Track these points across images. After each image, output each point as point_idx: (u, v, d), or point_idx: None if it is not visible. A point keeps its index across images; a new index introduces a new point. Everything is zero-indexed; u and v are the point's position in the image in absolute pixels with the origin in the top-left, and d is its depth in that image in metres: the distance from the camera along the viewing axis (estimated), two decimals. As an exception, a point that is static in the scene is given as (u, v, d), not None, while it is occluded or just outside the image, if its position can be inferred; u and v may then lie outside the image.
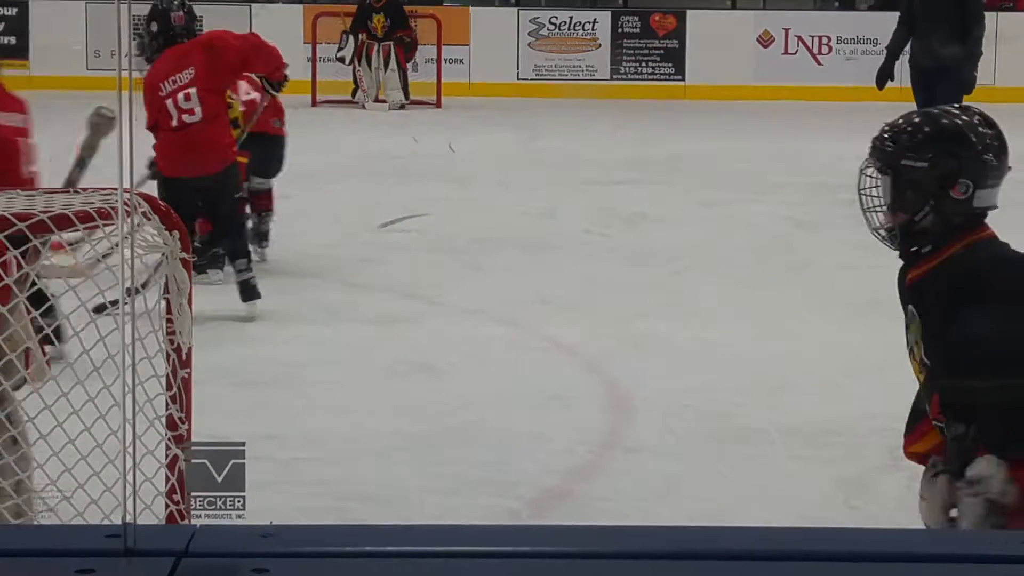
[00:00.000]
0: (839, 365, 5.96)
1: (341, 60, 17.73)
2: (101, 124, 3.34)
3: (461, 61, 19.04)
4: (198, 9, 17.81)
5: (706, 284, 7.81)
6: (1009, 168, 3.19)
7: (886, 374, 5.96)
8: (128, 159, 3.01)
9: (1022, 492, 2.93)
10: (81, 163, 4.55)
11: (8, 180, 3.74)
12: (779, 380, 5.92)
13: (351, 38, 17.76)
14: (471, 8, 20.39)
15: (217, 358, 5.71)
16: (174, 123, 7.02)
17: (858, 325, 6.80)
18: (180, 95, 7.06)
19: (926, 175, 3.11)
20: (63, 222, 2.96)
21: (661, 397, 5.73)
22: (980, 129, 3.17)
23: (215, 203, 7.14)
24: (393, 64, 17.43)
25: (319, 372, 6.06)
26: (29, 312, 3.29)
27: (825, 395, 5.75)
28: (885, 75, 10.49)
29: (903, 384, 5.46)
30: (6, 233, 2.91)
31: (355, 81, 17.62)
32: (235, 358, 6.01)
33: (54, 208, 2.98)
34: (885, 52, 10.86)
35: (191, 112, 7.04)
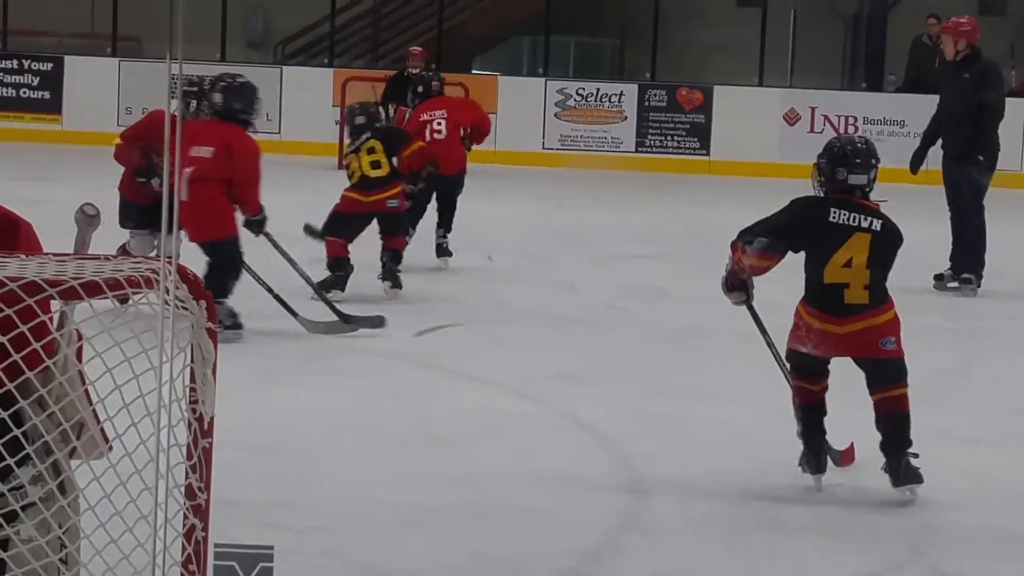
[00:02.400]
0: (861, 452, 5.93)
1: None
2: (83, 221, 3.36)
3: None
4: (230, 71, 18.00)
5: (726, 363, 7.79)
6: (874, 164, 5.87)
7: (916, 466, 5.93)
8: (168, 226, 3.01)
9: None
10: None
11: None
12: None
13: (382, 109, 17.78)
14: (499, 76, 20.50)
15: (231, 423, 5.68)
16: None
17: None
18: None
19: (825, 165, 5.85)
20: (93, 289, 2.96)
21: (679, 479, 5.69)
22: (853, 147, 5.91)
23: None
24: None
25: (334, 440, 6.04)
26: (84, 382, 3.26)
27: (846, 484, 5.70)
28: (917, 160, 10.48)
29: (927, 478, 5.45)
30: (37, 298, 2.91)
31: None
32: (249, 423, 6.00)
33: (84, 275, 2.98)
34: (920, 137, 10.85)
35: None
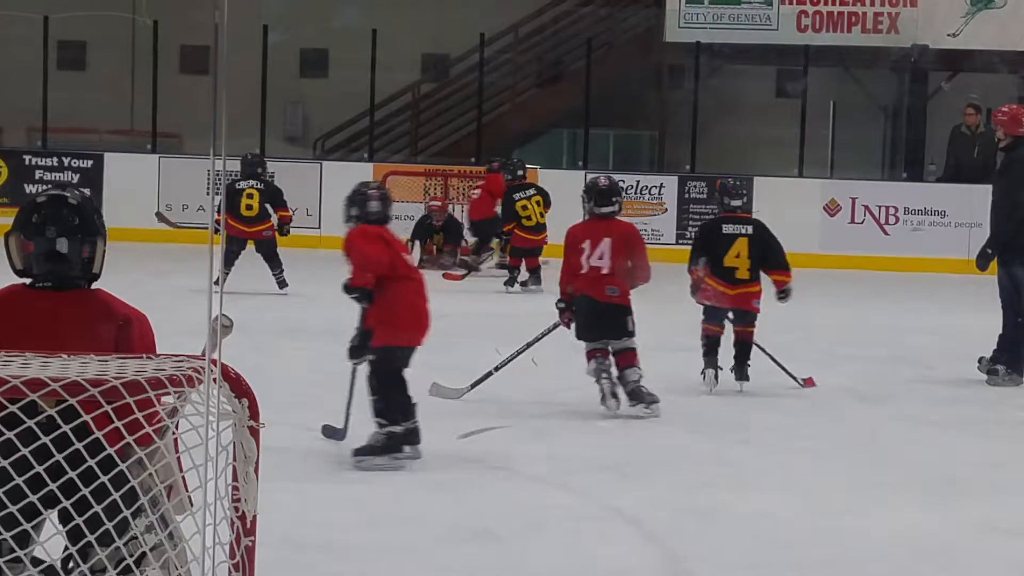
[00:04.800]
0: (908, 546, 5.87)
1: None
2: (219, 330, 3.53)
3: (528, 221, 19.15)
4: (272, 166, 18.05)
5: (769, 455, 7.75)
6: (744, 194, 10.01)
7: (959, 557, 5.88)
8: (213, 326, 3.02)
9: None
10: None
11: None
12: (845, 560, 5.82)
13: (416, 243, 18.00)
14: (539, 169, 20.59)
15: (273, 519, 5.67)
16: None
17: (927, 504, 6.72)
18: None
19: (717, 197, 9.85)
20: (135, 388, 2.98)
21: (723, 572, 5.64)
22: (727, 184, 10.13)
23: None
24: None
25: (378, 535, 6.01)
26: (177, 449, 3.40)
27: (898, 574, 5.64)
28: (983, 257, 10.29)
29: (972, 571, 5.39)
30: (79, 398, 2.94)
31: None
32: (291, 520, 5.98)
33: (127, 374, 3.00)
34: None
35: None
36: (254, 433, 3.26)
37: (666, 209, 19.74)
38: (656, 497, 6.75)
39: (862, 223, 19.32)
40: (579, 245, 8.94)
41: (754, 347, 9.74)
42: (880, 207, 19.64)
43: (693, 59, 20.43)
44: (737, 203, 9.89)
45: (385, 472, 7.10)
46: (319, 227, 19.67)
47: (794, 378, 9.86)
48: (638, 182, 19.85)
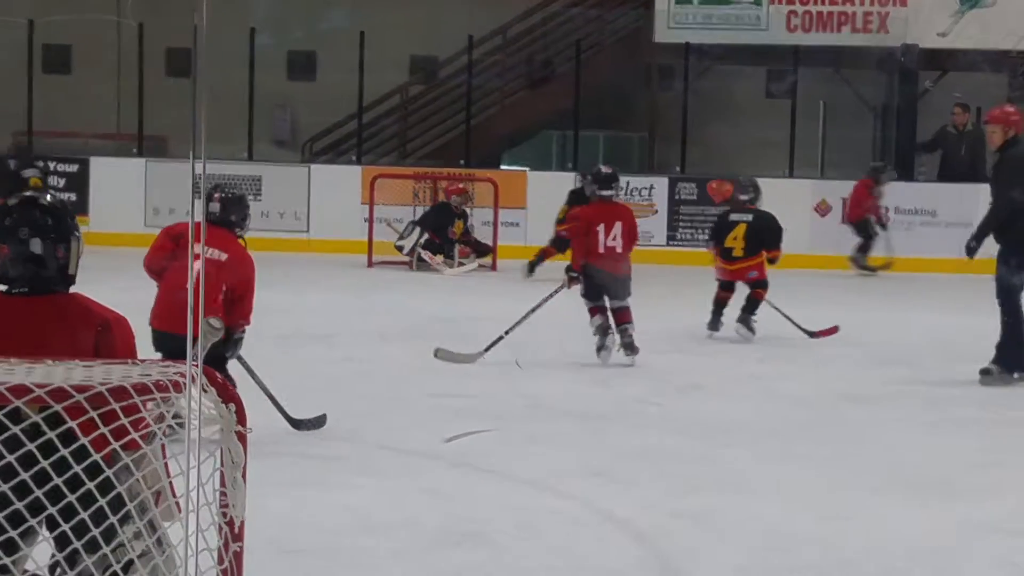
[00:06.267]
0: (901, 547, 5.84)
1: (400, 249, 17.76)
2: (208, 332, 3.55)
3: (517, 224, 19.16)
4: (258, 169, 18.08)
5: (760, 457, 7.73)
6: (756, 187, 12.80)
7: (948, 558, 5.85)
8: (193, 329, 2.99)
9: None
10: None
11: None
12: (838, 561, 5.79)
13: (417, 229, 17.81)
14: (528, 171, 20.56)
15: (262, 523, 5.64)
16: None
17: (919, 504, 6.69)
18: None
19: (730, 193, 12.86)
20: (121, 394, 2.96)
21: (713, 575, 5.62)
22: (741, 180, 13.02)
23: None
24: (459, 261, 17.60)
25: (368, 540, 5.98)
26: (165, 455, 3.39)
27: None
28: (969, 248, 10.24)
29: (962, 567, 5.37)
30: (64, 404, 2.92)
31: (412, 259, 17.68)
32: (283, 525, 5.94)
33: (112, 380, 2.97)
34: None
35: None
36: (241, 438, 3.24)
37: (656, 210, 19.72)
38: (647, 500, 6.72)
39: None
40: (594, 228, 10.81)
41: (766, 305, 12.15)
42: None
43: (682, 60, 20.41)
44: (744, 197, 12.63)
45: (374, 477, 7.07)
46: (307, 230, 19.64)
47: (803, 330, 12.10)
48: (628, 183, 19.80)
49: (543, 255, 16.78)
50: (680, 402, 9.33)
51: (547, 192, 19.51)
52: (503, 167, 21.32)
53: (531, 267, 16.68)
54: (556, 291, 11.04)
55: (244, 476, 3.24)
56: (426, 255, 17.19)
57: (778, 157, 20.08)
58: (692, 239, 19.54)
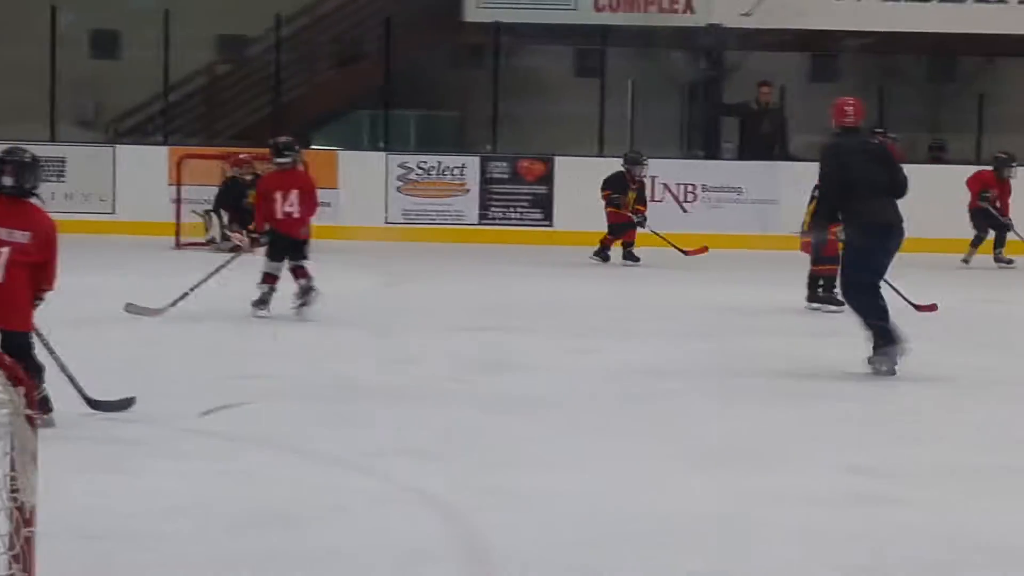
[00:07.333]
0: (697, 515, 5.89)
1: (212, 242, 17.54)
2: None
3: (329, 204, 19.01)
4: (63, 150, 17.72)
5: (567, 433, 7.75)
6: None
7: (741, 525, 5.92)
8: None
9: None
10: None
11: None
12: (643, 531, 5.83)
13: (215, 216, 17.62)
14: (339, 151, 20.45)
15: (59, 508, 5.50)
16: None
17: (722, 475, 6.77)
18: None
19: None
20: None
21: (526, 551, 5.60)
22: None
23: None
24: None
25: (167, 524, 5.86)
26: None
27: (688, 546, 5.66)
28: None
29: (759, 536, 5.43)
30: None
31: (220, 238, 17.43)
32: (82, 510, 5.80)
33: None
34: None
35: None
36: (31, 422, 3.18)
37: (468, 189, 19.75)
38: (456, 477, 6.70)
39: (661, 201, 19.53)
40: (272, 195, 11.55)
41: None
42: (679, 185, 19.90)
43: (492, 39, 20.46)
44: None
45: (177, 460, 6.93)
46: (113, 212, 19.31)
47: (909, 302, 11.62)
48: (440, 163, 19.82)
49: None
50: (489, 379, 9.32)
51: (358, 172, 19.43)
52: (313, 147, 21.14)
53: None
54: (237, 254, 12.25)
55: (35, 460, 3.18)
56: (234, 235, 16.99)
57: (588, 135, 20.23)
58: (504, 217, 19.62)
